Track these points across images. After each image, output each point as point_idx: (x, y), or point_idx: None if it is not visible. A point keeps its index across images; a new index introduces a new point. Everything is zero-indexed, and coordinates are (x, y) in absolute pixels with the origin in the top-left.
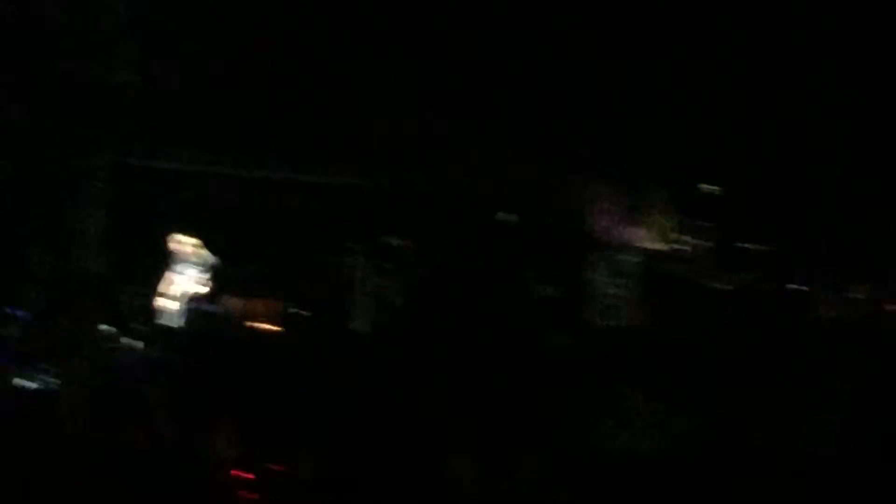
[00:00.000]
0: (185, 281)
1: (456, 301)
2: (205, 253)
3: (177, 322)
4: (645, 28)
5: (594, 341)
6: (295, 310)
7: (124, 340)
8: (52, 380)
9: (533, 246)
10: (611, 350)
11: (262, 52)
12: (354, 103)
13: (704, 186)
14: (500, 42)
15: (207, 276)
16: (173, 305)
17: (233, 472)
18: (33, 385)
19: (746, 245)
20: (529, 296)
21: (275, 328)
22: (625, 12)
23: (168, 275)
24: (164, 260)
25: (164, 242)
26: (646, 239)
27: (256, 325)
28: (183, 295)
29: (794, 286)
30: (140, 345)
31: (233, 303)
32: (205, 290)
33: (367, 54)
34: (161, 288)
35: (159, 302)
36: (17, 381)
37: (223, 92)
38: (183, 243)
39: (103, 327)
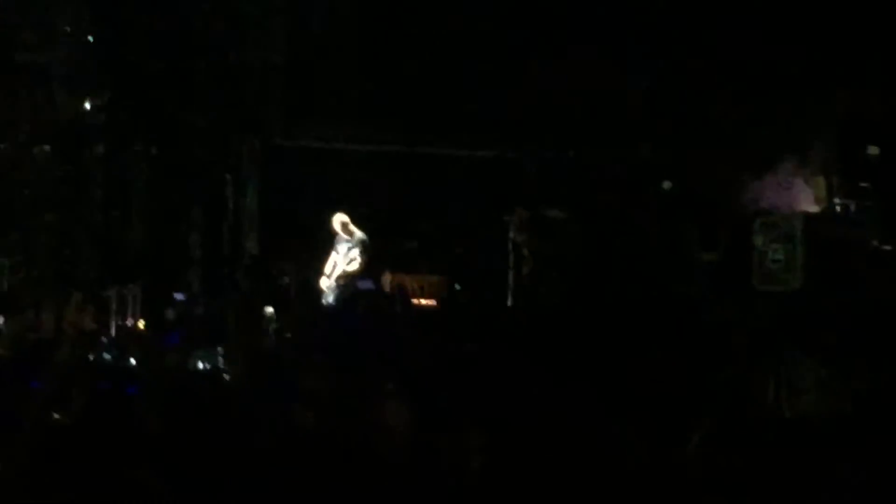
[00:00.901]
0: (342, 259)
1: (615, 271)
2: (357, 230)
3: (336, 300)
4: None
5: (757, 308)
6: (454, 285)
7: (283, 321)
8: (216, 361)
9: (693, 212)
10: (774, 317)
11: (418, 30)
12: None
13: (867, 147)
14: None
15: (364, 253)
16: (332, 284)
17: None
18: (199, 366)
19: None
20: (691, 263)
21: (435, 304)
22: None
23: (326, 254)
24: (320, 239)
25: (320, 221)
26: (808, 201)
27: (416, 301)
28: (341, 273)
29: None
30: (299, 325)
31: (391, 279)
32: (363, 267)
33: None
34: (318, 267)
35: (317, 281)
36: (183, 362)
37: (378, 69)
38: (339, 221)
39: (264, 308)
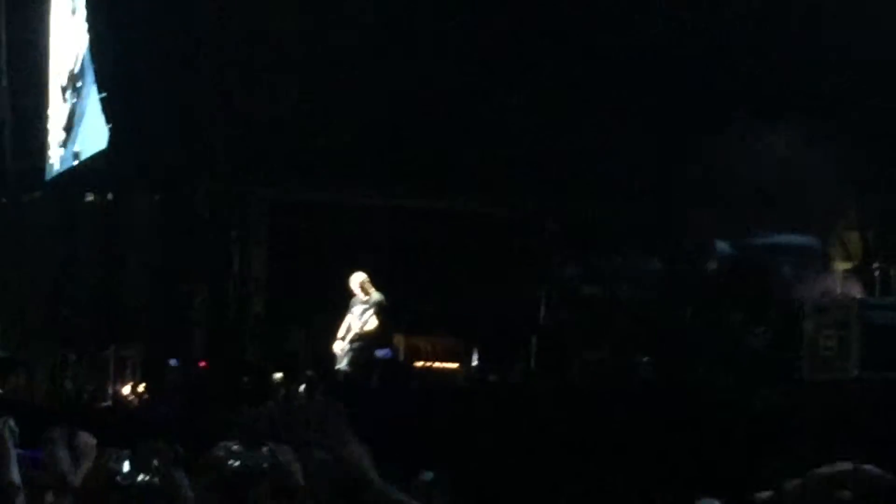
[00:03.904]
0: (356, 321)
1: (653, 355)
2: (374, 291)
3: (349, 365)
4: None
5: (808, 398)
6: (471, 347)
7: (296, 385)
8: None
9: (739, 296)
10: (827, 408)
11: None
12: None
13: None
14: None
15: (381, 314)
16: (345, 347)
17: None
18: None
19: None
20: (737, 350)
21: (452, 367)
22: None
23: (338, 315)
24: (331, 301)
25: (331, 280)
26: (861, 286)
27: (432, 364)
28: (355, 335)
29: None
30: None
31: (405, 342)
32: (378, 329)
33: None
34: (331, 328)
35: (330, 343)
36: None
37: (386, 123)
38: (357, 281)
39: (272, 373)
